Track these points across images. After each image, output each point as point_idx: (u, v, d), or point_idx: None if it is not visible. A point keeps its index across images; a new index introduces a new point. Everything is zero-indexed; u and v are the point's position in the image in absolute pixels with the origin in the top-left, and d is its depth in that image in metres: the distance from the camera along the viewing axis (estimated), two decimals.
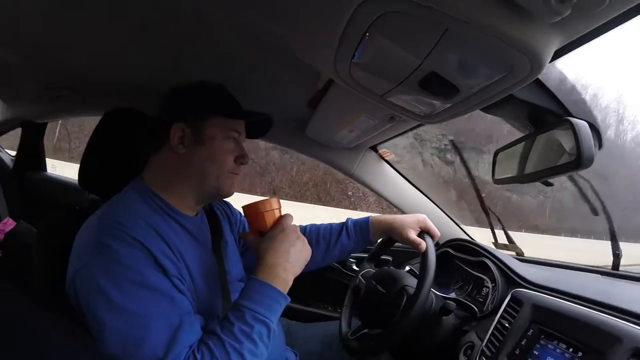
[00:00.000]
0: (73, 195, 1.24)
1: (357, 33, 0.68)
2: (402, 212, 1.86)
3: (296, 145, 1.87)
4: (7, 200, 2.39)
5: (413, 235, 1.25)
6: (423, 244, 1.21)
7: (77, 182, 1.22)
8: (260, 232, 1.02)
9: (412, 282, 1.21)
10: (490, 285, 1.30)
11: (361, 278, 1.41)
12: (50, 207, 1.14)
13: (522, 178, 1.08)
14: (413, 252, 1.88)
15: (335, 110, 1.40)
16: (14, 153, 2.51)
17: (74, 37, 1.31)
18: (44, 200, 2.40)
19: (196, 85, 1.11)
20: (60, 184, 2.43)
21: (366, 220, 1.38)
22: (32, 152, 2.45)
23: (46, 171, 2.53)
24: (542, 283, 1.15)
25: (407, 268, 1.63)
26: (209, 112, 1.06)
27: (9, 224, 2.19)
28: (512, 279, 1.25)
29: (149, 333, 0.80)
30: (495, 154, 1.19)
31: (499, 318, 1.11)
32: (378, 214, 1.40)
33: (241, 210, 1.13)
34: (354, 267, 2.04)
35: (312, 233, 1.42)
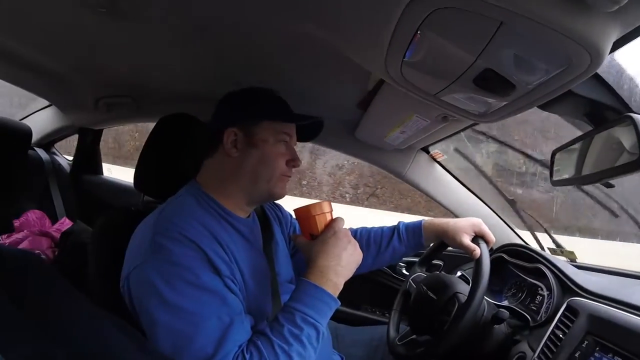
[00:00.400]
0: (129, 198, 1.31)
1: (408, 31, 0.69)
2: (455, 216, 1.83)
3: (346, 147, 1.88)
4: (64, 203, 2.54)
5: (467, 240, 1.24)
6: (477, 251, 1.19)
7: (132, 185, 1.30)
8: (312, 235, 1.04)
9: (464, 289, 1.19)
10: (545, 293, 1.27)
11: (412, 282, 1.40)
12: (106, 209, 1.21)
13: (581, 180, 1.04)
14: (466, 257, 1.86)
15: (386, 111, 1.40)
16: (70, 157, 2.67)
17: (126, 49, 1.39)
18: (101, 202, 2.54)
19: (248, 91, 1.15)
20: (116, 187, 2.57)
21: (419, 224, 1.37)
22: (89, 157, 2.61)
23: (102, 174, 2.68)
24: (600, 292, 1.11)
25: (459, 273, 1.60)
26: (261, 116, 1.09)
27: (66, 223, 2.32)
28: (568, 287, 1.21)
29: (200, 331, 0.83)
30: (553, 154, 1.15)
31: (553, 328, 1.08)
32: (431, 218, 1.38)
33: (292, 212, 1.16)
34: (404, 271, 2.03)
35: (362, 236, 1.42)
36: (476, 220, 1.31)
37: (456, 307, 1.15)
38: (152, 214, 1.01)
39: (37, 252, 1.99)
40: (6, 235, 2.14)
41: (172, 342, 0.82)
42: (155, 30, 1.21)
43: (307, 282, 0.93)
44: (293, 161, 1.14)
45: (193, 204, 1.04)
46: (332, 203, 1.09)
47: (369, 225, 1.52)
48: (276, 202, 1.43)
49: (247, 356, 0.83)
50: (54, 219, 2.41)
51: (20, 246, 1.99)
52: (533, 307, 1.29)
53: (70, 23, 1.23)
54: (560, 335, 1.04)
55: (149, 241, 0.91)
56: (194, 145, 1.25)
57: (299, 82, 1.42)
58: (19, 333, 0.32)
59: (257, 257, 1.11)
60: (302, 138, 1.24)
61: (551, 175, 1.15)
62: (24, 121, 2.52)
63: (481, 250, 1.18)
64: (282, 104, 1.16)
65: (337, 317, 1.03)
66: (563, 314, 1.10)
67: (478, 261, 1.15)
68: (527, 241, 1.79)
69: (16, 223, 2.22)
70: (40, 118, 2.56)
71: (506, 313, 1.12)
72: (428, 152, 1.83)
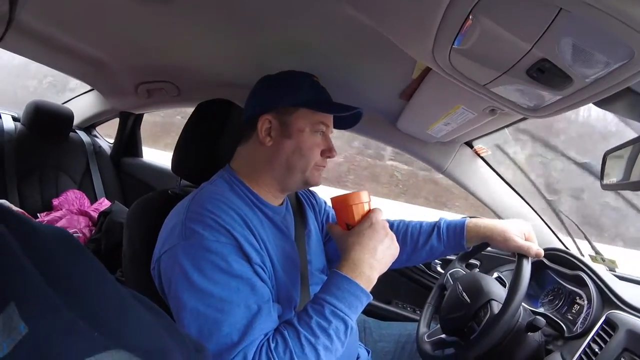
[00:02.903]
0: (168, 181, 1.35)
1: (459, 15, 0.67)
2: (497, 216, 1.80)
3: (386, 138, 1.86)
4: (103, 184, 2.64)
5: (519, 242, 1.18)
6: (532, 248, 1.15)
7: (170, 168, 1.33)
8: (348, 224, 1.03)
9: (499, 294, 1.17)
10: (583, 303, 1.23)
11: (449, 277, 1.39)
12: (145, 191, 1.25)
13: (631, 185, 0.99)
14: (504, 259, 1.83)
15: (431, 102, 1.37)
16: (111, 140, 2.77)
17: (166, 34, 1.42)
18: (139, 185, 2.65)
19: (285, 75, 1.14)
20: (155, 170, 2.65)
21: (462, 224, 1.31)
22: (129, 140, 2.71)
23: (142, 157, 2.78)
24: None
25: (496, 275, 1.57)
26: (298, 104, 1.08)
27: (104, 203, 2.42)
28: (608, 299, 1.17)
29: (227, 317, 0.84)
30: (605, 156, 1.10)
31: (589, 341, 1.05)
32: (476, 218, 1.32)
33: (328, 200, 1.16)
34: (439, 268, 2.01)
35: (399, 230, 1.39)
36: (525, 224, 1.26)
37: (488, 315, 1.13)
38: (185, 199, 1.03)
39: (73, 230, 2.07)
40: (45, 213, 2.24)
41: (199, 327, 0.84)
42: (194, 15, 1.23)
43: (339, 274, 0.92)
44: (329, 152, 1.13)
45: (226, 190, 1.05)
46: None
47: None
48: (311, 189, 1.43)
49: (273, 345, 0.84)
50: (93, 200, 2.50)
51: (59, 224, 2.09)
52: (570, 317, 1.24)
53: (110, 8, 1.27)
54: (596, 350, 1.01)
55: (181, 226, 0.93)
56: (231, 131, 1.27)
57: (339, 69, 1.41)
58: (44, 306, 0.33)
59: (288, 245, 1.12)
60: (339, 125, 1.22)
61: (601, 178, 1.10)
62: (66, 105, 2.63)
63: (522, 266, 1.12)
64: (320, 92, 1.15)
65: (366, 310, 1.03)
66: (601, 327, 1.07)
67: (517, 274, 1.11)
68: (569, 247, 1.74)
69: (55, 202, 2.32)
70: (83, 102, 2.67)
71: (542, 321, 1.09)
72: (472, 147, 1.79)
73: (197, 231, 0.91)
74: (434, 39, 0.78)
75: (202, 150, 1.29)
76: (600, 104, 0.88)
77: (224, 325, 0.84)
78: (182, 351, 0.46)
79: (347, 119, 1.21)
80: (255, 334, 0.84)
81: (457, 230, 1.31)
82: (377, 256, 0.96)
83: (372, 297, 0.94)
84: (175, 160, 1.32)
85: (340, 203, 1.05)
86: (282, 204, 1.19)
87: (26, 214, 0.86)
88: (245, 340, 0.83)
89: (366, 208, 1.05)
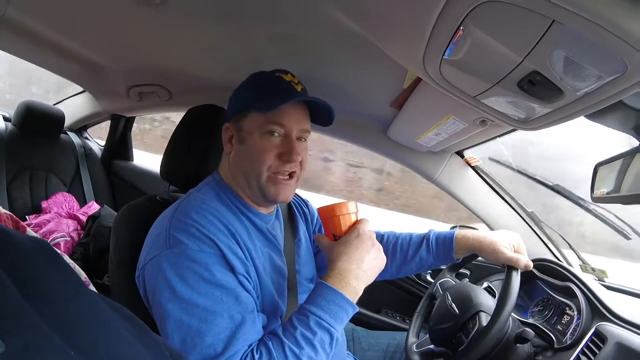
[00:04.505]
0: (158, 185, 1.34)
1: (450, 26, 0.65)
2: (487, 225, 1.79)
3: (376, 146, 1.84)
4: (93, 187, 2.62)
5: (508, 254, 1.17)
6: (522, 260, 1.14)
7: None
8: (335, 235, 1.02)
9: (488, 305, 1.16)
10: (573, 314, 1.22)
11: (439, 287, 1.38)
12: (135, 195, 1.23)
13: (622, 199, 0.97)
14: (494, 268, 1.81)
15: (421, 112, 1.36)
16: (102, 142, 2.75)
17: (158, 38, 1.41)
18: (130, 188, 2.62)
19: (247, 80, 1.11)
20: (146, 174, 2.63)
21: (451, 235, 1.29)
22: (120, 143, 2.68)
23: (132, 161, 2.75)
24: (632, 319, 1.07)
25: (486, 284, 1.56)
26: (245, 107, 1.05)
27: (93, 207, 2.39)
28: (598, 311, 1.16)
29: (210, 327, 0.82)
30: (596, 168, 1.09)
31: (578, 353, 1.05)
32: (465, 229, 1.31)
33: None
34: (429, 278, 2.00)
35: (389, 241, 1.37)
36: (514, 236, 1.25)
37: (476, 327, 1.12)
38: (171, 207, 1.01)
39: (61, 234, 2.04)
40: (34, 215, 2.21)
41: (182, 337, 0.82)
42: (186, 19, 1.21)
43: (324, 284, 0.90)
44: (286, 155, 1.02)
45: (212, 198, 1.03)
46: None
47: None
48: (303, 198, 1.41)
49: (257, 356, 0.82)
50: (83, 203, 2.48)
51: (46, 227, 2.05)
52: (559, 328, 1.23)
53: (104, 9, 1.25)
54: None
55: (166, 234, 0.91)
56: (221, 137, 1.25)
57: (331, 75, 1.40)
58: (21, 322, 0.32)
59: (276, 254, 1.10)
60: (319, 122, 1.14)
61: (592, 190, 1.09)
62: (57, 106, 2.61)
63: (511, 278, 1.11)
64: (279, 87, 1.05)
65: (355, 319, 1.01)
66: (590, 339, 1.07)
67: (506, 286, 1.10)
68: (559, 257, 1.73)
69: (44, 204, 2.29)
70: (74, 103, 2.65)
71: (531, 333, 1.08)
72: (462, 156, 1.78)
73: (182, 240, 0.89)
74: (424, 49, 0.76)
75: (191, 157, 1.27)
76: (591, 117, 0.86)
77: (208, 336, 0.82)
78: None
79: (324, 116, 1.11)
80: (239, 345, 0.83)
81: (446, 242, 1.30)
82: (364, 267, 0.94)
83: (357, 309, 0.92)
84: (163, 166, 1.30)
85: (327, 213, 1.03)
86: (271, 212, 1.16)
87: (14, 216, 0.85)
88: (228, 351, 0.81)
89: (353, 219, 1.03)
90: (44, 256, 0.41)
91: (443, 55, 0.75)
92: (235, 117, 1.06)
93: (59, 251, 0.60)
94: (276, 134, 1.02)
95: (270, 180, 1.03)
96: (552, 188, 1.62)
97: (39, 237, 0.46)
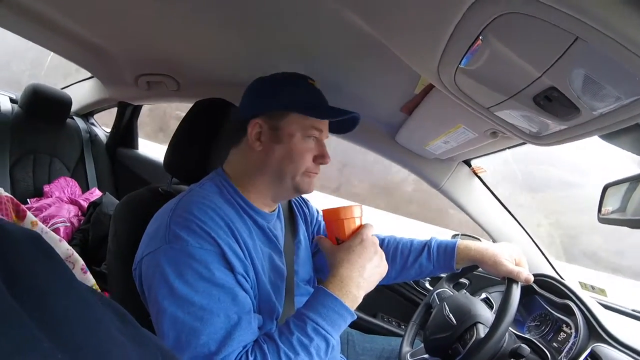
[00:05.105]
0: (162, 176, 1.34)
1: (468, 35, 0.63)
2: (490, 237, 1.77)
3: (384, 150, 1.82)
4: (97, 173, 2.62)
5: (509, 266, 1.15)
6: (523, 274, 1.13)
7: None
8: (338, 239, 1.01)
9: (486, 317, 1.15)
10: (571, 332, 1.21)
11: (436, 297, 1.37)
12: (137, 184, 1.22)
13: (627, 222, 0.95)
14: (492, 280, 1.80)
15: (431, 119, 1.34)
16: (108, 129, 2.74)
17: (168, 28, 1.39)
18: (133, 177, 2.61)
19: (278, 77, 1.10)
20: (150, 164, 2.63)
21: (453, 245, 1.28)
22: (126, 131, 2.67)
23: (137, 149, 2.75)
24: (629, 343, 1.06)
25: (484, 296, 1.54)
26: (289, 108, 1.04)
27: (95, 194, 2.38)
28: (595, 331, 1.16)
29: (206, 326, 0.82)
30: (605, 188, 1.07)
31: None
32: (467, 240, 1.29)
33: (319, 210, 1.12)
34: (427, 285, 1.99)
35: (390, 246, 1.36)
36: (516, 249, 1.23)
37: (474, 339, 1.10)
38: (172, 200, 1.00)
39: (62, 219, 2.03)
40: (35, 199, 2.20)
41: (177, 335, 0.82)
42: (197, 10, 1.20)
43: (325, 291, 0.90)
44: (322, 158, 1.09)
45: (215, 194, 1.02)
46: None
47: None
48: (304, 198, 1.40)
49: (251, 358, 0.82)
50: (85, 189, 2.47)
51: (47, 211, 2.05)
52: (555, 345, 1.22)
53: (117, 6, 1.26)
54: None
55: (165, 228, 0.90)
56: (228, 132, 1.23)
57: (341, 76, 1.38)
58: (8, 321, 0.31)
59: (276, 255, 1.09)
60: (336, 130, 1.18)
61: (599, 210, 1.07)
62: (65, 90, 2.60)
63: (512, 291, 1.10)
64: (315, 95, 1.10)
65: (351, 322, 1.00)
66: None
67: (506, 299, 1.08)
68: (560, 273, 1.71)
69: (46, 188, 2.29)
70: (82, 88, 2.64)
71: (527, 350, 1.07)
72: (469, 165, 1.76)
73: (181, 236, 0.88)
74: (440, 56, 0.75)
75: (195, 150, 1.25)
76: (605, 137, 0.85)
77: (202, 335, 0.81)
78: None
79: (344, 124, 1.16)
80: (234, 345, 0.82)
81: (447, 251, 1.28)
82: (365, 275, 0.94)
83: (356, 316, 0.92)
84: (167, 158, 1.28)
85: (332, 216, 1.02)
86: (273, 211, 1.15)
87: (15, 199, 0.84)
88: (223, 351, 0.81)
89: (357, 223, 1.02)
90: (36, 249, 0.40)
91: (459, 64, 0.73)
92: (268, 115, 1.05)
93: (57, 237, 0.60)
94: (314, 138, 1.07)
95: (305, 176, 1.07)
96: None
97: (36, 224, 0.45)
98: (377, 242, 1.00)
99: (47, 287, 0.37)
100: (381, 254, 0.99)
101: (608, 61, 0.55)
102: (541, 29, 0.54)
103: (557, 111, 0.72)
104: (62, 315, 0.36)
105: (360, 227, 1.01)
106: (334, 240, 1.02)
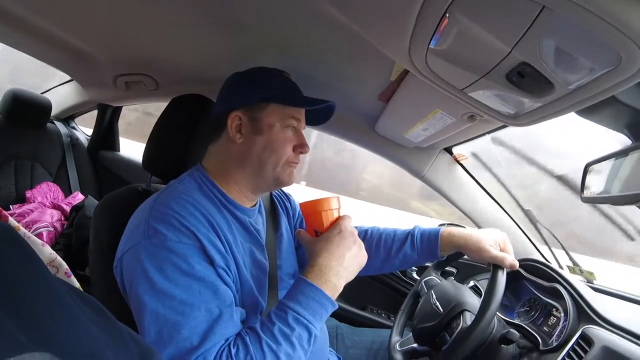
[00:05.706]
0: (144, 176, 1.32)
1: (435, 14, 0.61)
2: (474, 223, 1.77)
3: (364, 141, 1.81)
4: (79, 177, 2.58)
5: (493, 252, 1.14)
6: (507, 259, 1.12)
7: None
8: (316, 231, 1.00)
9: (473, 305, 1.14)
10: (560, 315, 1.20)
11: (424, 285, 1.35)
12: (120, 186, 1.21)
13: (612, 199, 0.94)
14: (480, 267, 1.80)
15: (409, 106, 1.32)
16: (89, 132, 2.71)
17: (145, 27, 1.37)
18: (116, 179, 2.58)
19: (255, 71, 1.11)
20: (132, 165, 2.59)
21: (436, 232, 1.27)
22: (107, 133, 2.64)
23: (119, 151, 2.71)
24: (619, 323, 1.05)
25: (472, 283, 1.54)
26: (267, 99, 1.05)
27: (78, 197, 2.35)
28: (585, 313, 1.14)
29: (187, 320, 0.81)
30: (586, 167, 1.05)
31: (564, 356, 1.03)
32: (450, 227, 1.29)
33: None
34: (415, 275, 1.98)
35: (373, 237, 1.36)
36: (500, 234, 1.22)
37: (460, 327, 1.10)
38: (151, 197, 0.99)
39: (45, 224, 2.00)
40: (17, 205, 2.17)
41: (158, 329, 0.81)
42: (174, 7, 1.18)
43: (304, 280, 0.89)
44: (301, 147, 1.09)
45: (194, 190, 1.01)
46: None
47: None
48: (286, 192, 1.40)
49: (234, 350, 0.81)
50: (68, 193, 2.45)
51: (29, 217, 2.02)
52: (545, 329, 1.21)
53: (92, 5, 1.24)
54: None
55: (145, 224, 0.90)
56: (206, 128, 1.21)
57: (318, 68, 1.37)
58: None
59: (257, 249, 1.08)
60: (312, 122, 1.19)
61: (582, 190, 1.06)
62: (45, 94, 2.57)
63: (497, 277, 1.09)
64: (290, 87, 1.12)
65: (339, 315, 0.98)
66: (576, 342, 1.05)
67: (491, 285, 1.07)
68: (547, 257, 1.71)
69: (28, 193, 2.26)
70: (61, 92, 2.60)
71: (517, 334, 1.06)
72: (451, 153, 1.75)
73: (160, 231, 0.87)
74: (410, 38, 0.73)
75: (173, 147, 1.24)
76: (582, 113, 0.84)
77: (184, 329, 0.80)
78: (122, 357, 0.44)
79: (318, 115, 1.17)
80: (216, 339, 0.81)
81: (431, 239, 1.28)
82: (345, 264, 0.93)
83: (337, 306, 0.91)
84: (146, 156, 1.27)
85: (310, 209, 1.01)
86: (254, 205, 1.15)
87: None
88: (205, 345, 0.80)
89: (336, 215, 1.01)
90: (6, 240, 0.40)
91: (429, 45, 0.71)
92: (247, 107, 1.05)
93: (40, 241, 0.60)
94: (293, 127, 1.08)
95: (287, 167, 1.08)
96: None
97: (18, 229, 0.45)
98: (356, 232, 0.99)
99: (18, 275, 0.38)
100: (360, 243, 0.99)
101: (577, 30, 0.53)
102: (506, 0, 0.52)
103: (531, 88, 0.70)
104: (31, 301, 0.37)
105: (339, 219, 1.00)
106: (312, 233, 1.01)
